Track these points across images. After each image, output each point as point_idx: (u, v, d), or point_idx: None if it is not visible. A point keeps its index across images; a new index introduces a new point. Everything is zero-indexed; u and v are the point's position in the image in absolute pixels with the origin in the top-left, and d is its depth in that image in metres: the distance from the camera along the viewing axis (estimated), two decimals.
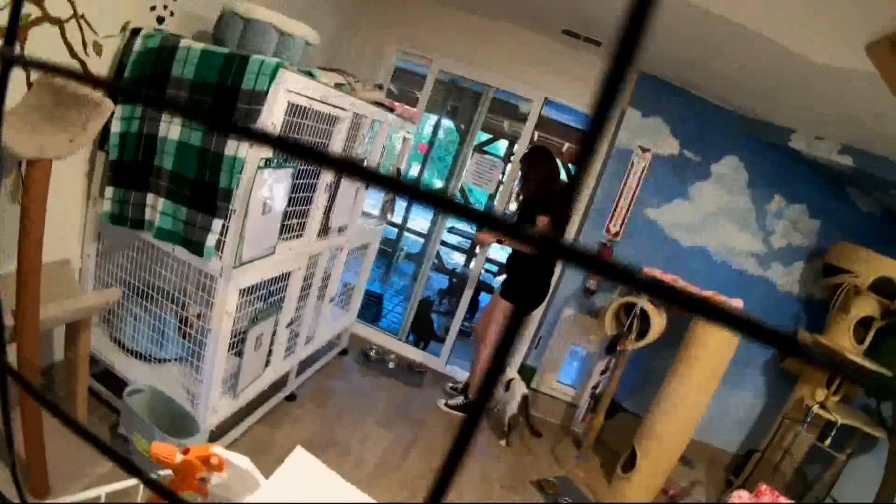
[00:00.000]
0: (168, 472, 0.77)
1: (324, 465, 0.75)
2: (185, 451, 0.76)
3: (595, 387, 3.06)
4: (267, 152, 1.73)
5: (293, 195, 2.06)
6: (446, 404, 3.26)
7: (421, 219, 7.55)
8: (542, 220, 2.88)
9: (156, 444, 0.77)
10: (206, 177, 1.74)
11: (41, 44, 1.61)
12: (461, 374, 3.74)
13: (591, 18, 2.79)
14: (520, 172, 3.13)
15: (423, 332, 3.96)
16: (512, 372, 3.15)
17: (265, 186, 1.79)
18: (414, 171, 6.57)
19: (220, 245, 1.79)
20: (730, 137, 3.23)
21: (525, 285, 2.96)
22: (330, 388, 3.08)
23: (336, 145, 2.23)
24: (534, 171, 3.03)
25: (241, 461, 0.76)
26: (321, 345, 3.00)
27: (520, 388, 2.98)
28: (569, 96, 3.42)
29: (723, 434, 3.42)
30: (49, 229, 1.44)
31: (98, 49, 1.79)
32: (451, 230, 6.80)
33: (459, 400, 3.27)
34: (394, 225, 6.68)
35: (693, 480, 3.24)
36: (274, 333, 2.32)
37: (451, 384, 3.50)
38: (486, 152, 7.57)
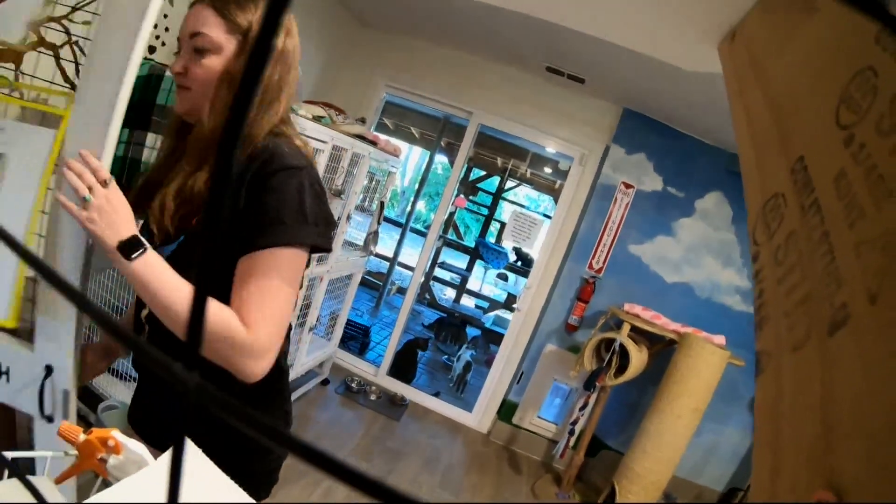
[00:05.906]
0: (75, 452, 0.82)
1: (211, 463, 0.79)
2: (89, 433, 0.82)
3: (574, 423, 3.02)
4: None
5: None
6: None
7: (412, 251, 7.25)
8: None
9: (65, 423, 0.83)
10: None
11: (36, 67, 1.73)
12: (447, 411, 3.72)
13: (569, 55, 2.88)
14: None
15: (405, 369, 3.95)
16: None
17: None
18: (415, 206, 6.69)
19: None
20: (714, 173, 3.27)
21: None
22: (308, 417, 3.09)
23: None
24: None
25: (137, 447, 0.81)
26: (301, 373, 3.03)
27: None
28: (560, 133, 3.52)
29: (710, 472, 3.32)
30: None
31: None
32: (442, 265, 6.85)
33: None
34: (385, 258, 6.72)
35: None
36: None
37: None
38: (477, 189, 7.69)
